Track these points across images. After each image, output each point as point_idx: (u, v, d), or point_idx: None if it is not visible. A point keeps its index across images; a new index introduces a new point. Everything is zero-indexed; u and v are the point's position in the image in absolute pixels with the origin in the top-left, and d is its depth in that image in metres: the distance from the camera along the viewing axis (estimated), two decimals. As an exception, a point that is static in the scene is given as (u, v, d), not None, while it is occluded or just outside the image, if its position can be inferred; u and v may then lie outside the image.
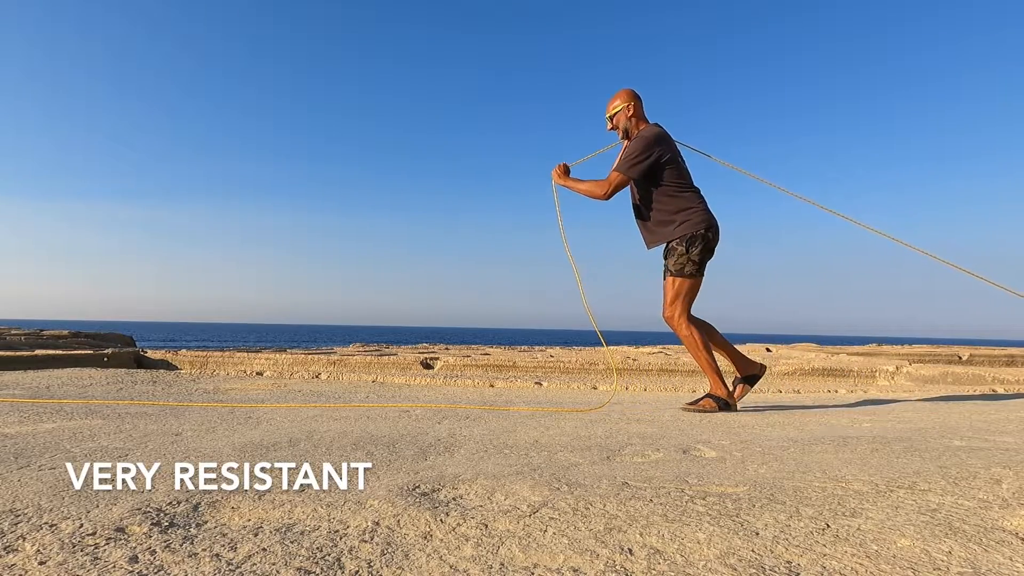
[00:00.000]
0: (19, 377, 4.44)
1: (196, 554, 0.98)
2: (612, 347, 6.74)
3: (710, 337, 3.38)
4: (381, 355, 5.80)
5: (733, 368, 3.45)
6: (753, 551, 0.98)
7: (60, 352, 5.59)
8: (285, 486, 1.41)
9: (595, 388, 4.97)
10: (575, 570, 0.91)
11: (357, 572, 0.91)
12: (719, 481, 1.45)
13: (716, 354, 3.35)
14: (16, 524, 1.11)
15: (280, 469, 1.59)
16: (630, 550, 0.99)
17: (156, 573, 0.91)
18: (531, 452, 1.89)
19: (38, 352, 5.48)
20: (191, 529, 1.10)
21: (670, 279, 3.26)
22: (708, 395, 3.27)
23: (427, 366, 5.52)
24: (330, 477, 1.48)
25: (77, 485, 1.39)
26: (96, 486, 1.39)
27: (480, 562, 0.94)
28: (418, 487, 1.39)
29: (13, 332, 6.92)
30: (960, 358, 7.13)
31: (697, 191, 3.32)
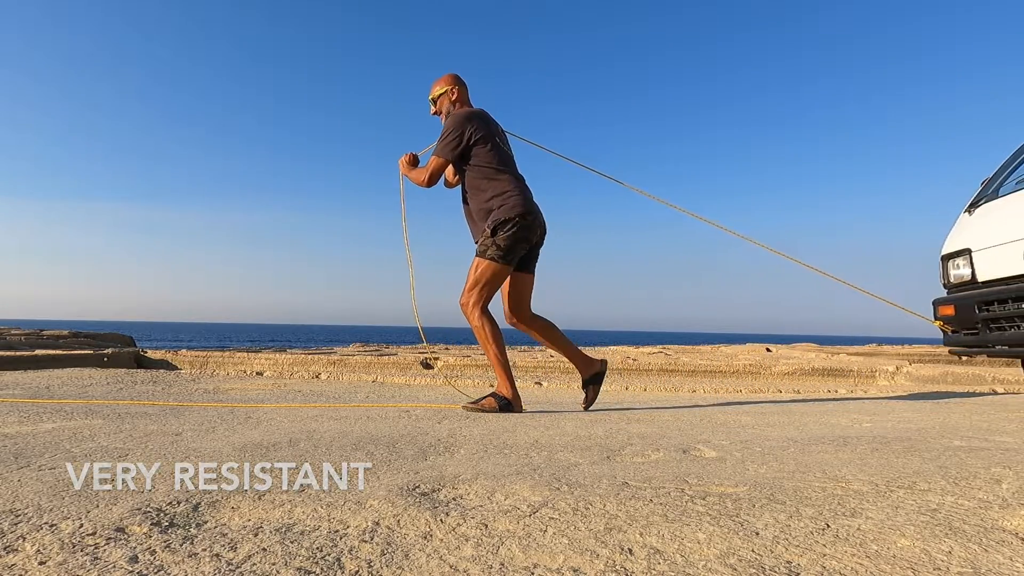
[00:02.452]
0: (19, 377, 4.44)
1: (196, 554, 0.98)
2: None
3: (549, 336, 3.27)
4: (381, 355, 5.80)
5: (577, 371, 3.32)
6: (753, 551, 0.98)
7: (60, 352, 5.59)
8: (285, 486, 1.41)
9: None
10: (575, 570, 0.91)
11: (357, 572, 0.91)
12: (719, 481, 1.45)
13: (556, 353, 3.30)
14: (16, 524, 1.11)
15: (280, 469, 1.59)
16: (630, 550, 0.99)
17: (156, 573, 0.91)
18: (531, 452, 1.89)
19: (38, 352, 5.48)
20: (191, 529, 1.10)
21: (474, 261, 3.11)
22: (492, 394, 3.12)
23: (427, 366, 5.52)
24: (330, 477, 1.49)
25: (77, 485, 1.39)
26: (96, 486, 1.39)
27: (480, 562, 0.94)
28: (418, 487, 1.39)
29: (13, 332, 6.92)
30: (960, 358, 7.13)
31: (517, 177, 3.19)
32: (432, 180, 3.22)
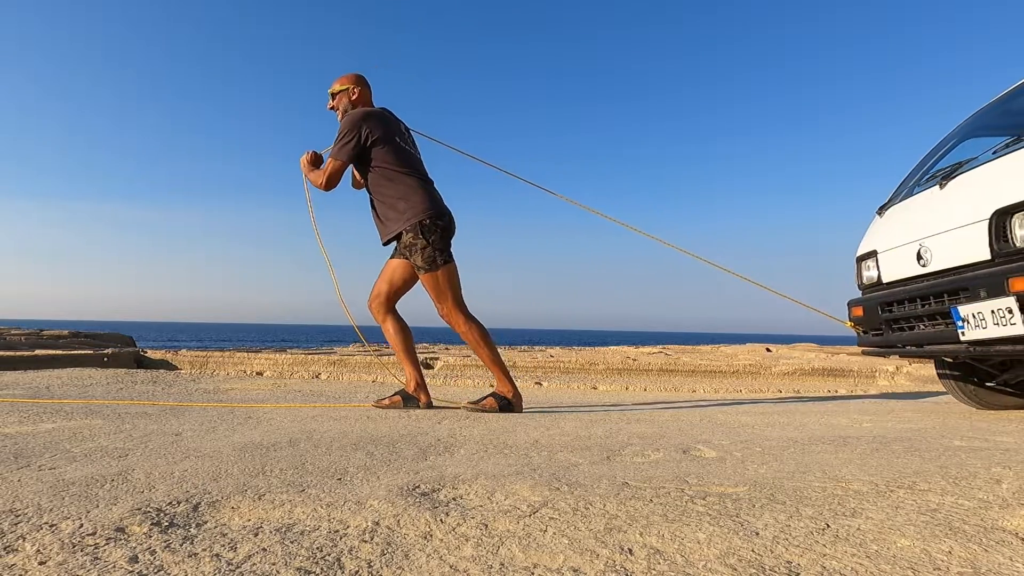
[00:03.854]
0: (19, 377, 4.44)
1: (196, 554, 0.98)
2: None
3: (399, 337, 3.19)
4: (381, 355, 5.80)
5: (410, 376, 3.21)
6: (753, 551, 0.98)
7: (60, 352, 5.59)
8: (285, 486, 1.41)
9: (595, 388, 4.98)
10: (575, 570, 0.91)
11: (357, 572, 0.91)
12: (719, 481, 1.45)
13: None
14: (16, 524, 1.11)
15: (280, 469, 1.59)
16: (630, 550, 0.99)
17: (156, 573, 0.91)
18: (531, 452, 1.89)
19: (38, 352, 5.48)
20: (191, 529, 1.10)
21: (425, 277, 3.05)
22: (492, 394, 3.09)
23: (427, 366, 5.52)
24: (330, 477, 1.49)
25: (77, 485, 1.39)
26: (96, 486, 1.39)
27: (480, 562, 0.94)
28: (418, 487, 1.39)
29: (13, 332, 6.92)
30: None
31: (420, 177, 3.11)
32: (330, 183, 3.11)
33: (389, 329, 3.21)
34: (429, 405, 3.15)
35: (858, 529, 1.08)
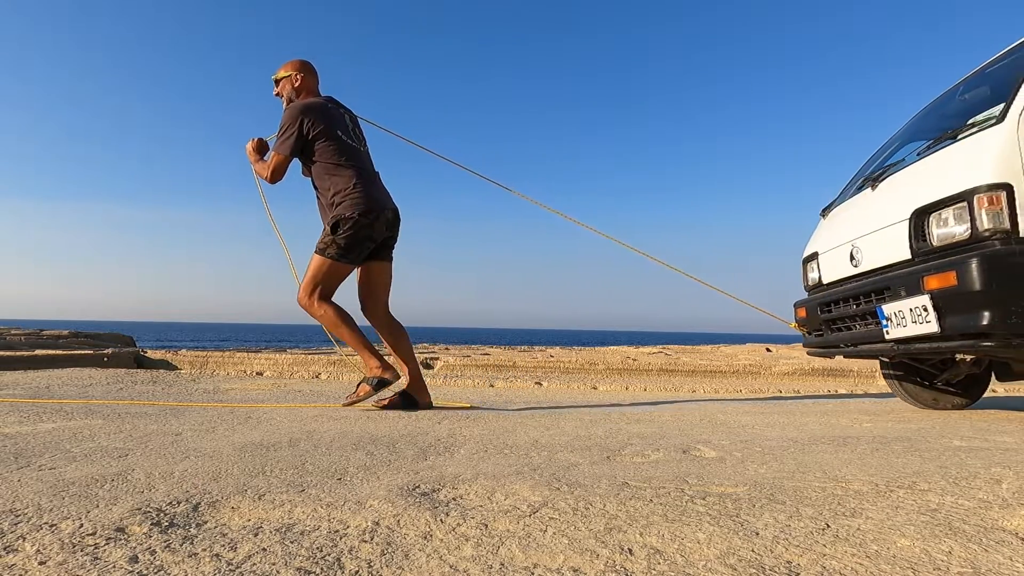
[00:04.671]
0: (19, 377, 4.44)
1: (196, 554, 0.98)
2: (612, 347, 6.73)
3: (395, 341, 3.15)
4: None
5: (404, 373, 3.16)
6: (753, 551, 0.98)
7: (60, 352, 5.59)
8: (285, 486, 1.41)
9: (595, 388, 4.98)
10: (575, 570, 0.91)
11: (357, 572, 0.91)
12: (719, 481, 1.45)
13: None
14: (16, 524, 1.11)
15: (280, 469, 1.59)
16: (630, 550, 0.99)
17: (156, 573, 0.91)
18: (531, 452, 1.89)
19: (38, 352, 5.48)
20: (191, 529, 1.10)
21: (312, 258, 3.02)
22: (363, 380, 3.02)
23: (427, 366, 5.52)
24: (329, 477, 1.49)
25: (77, 485, 1.39)
26: (96, 486, 1.39)
27: (480, 562, 0.94)
28: (418, 487, 1.39)
29: (13, 332, 6.92)
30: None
31: (361, 171, 3.06)
32: (275, 176, 3.08)
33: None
34: (428, 405, 3.13)
35: (858, 529, 1.08)
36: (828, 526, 1.10)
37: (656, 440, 2.13)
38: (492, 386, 4.97)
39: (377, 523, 1.13)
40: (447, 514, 1.18)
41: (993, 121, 2.48)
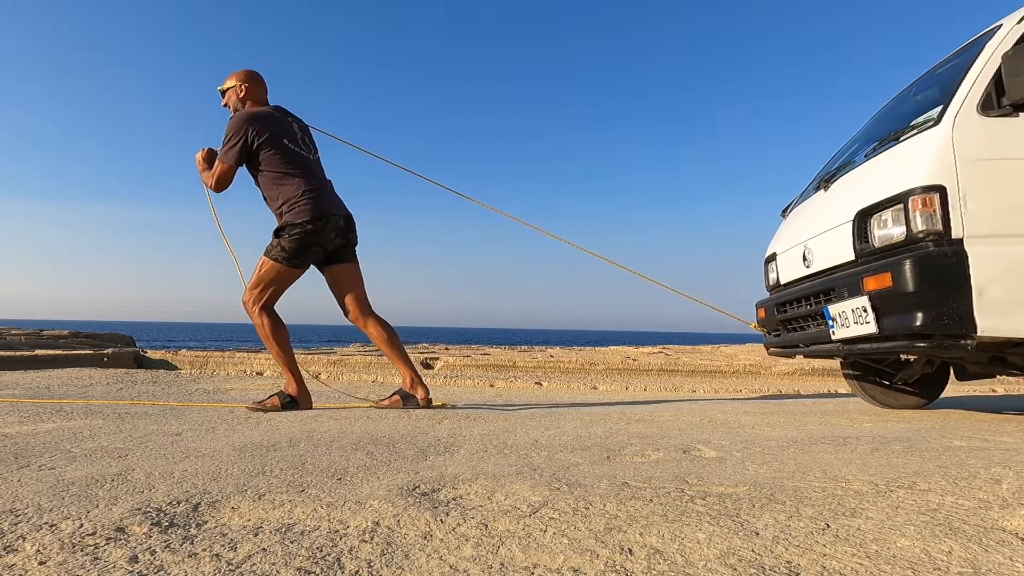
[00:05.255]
0: (19, 377, 4.44)
1: (196, 554, 0.98)
2: (610, 347, 6.73)
3: (390, 342, 3.15)
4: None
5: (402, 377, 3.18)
6: (753, 551, 0.98)
7: (60, 352, 5.59)
8: (285, 486, 1.41)
9: (595, 388, 4.98)
10: (575, 570, 0.91)
11: (357, 572, 0.91)
12: (719, 481, 1.45)
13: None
14: (16, 524, 1.11)
15: (280, 469, 1.59)
16: (630, 550, 0.99)
17: (156, 573, 0.91)
18: (531, 452, 1.89)
19: (38, 352, 5.48)
20: (191, 529, 1.10)
21: (260, 259, 3.03)
22: (278, 392, 3.04)
23: (427, 366, 5.52)
24: (329, 477, 1.48)
25: (77, 485, 1.39)
26: (96, 486, 1.39)
27: (480, 562, 0.94)
28: (418, 487, 1.39)
29: (13, 332, 6.92)
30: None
31: (309, 179, 3.04)
32: (220, 185, 3.06)
33: (373, 335, 3.18)
34: (428, 401, 3.12)
35: (858, 529, 1.08)
36: (828, 526, 1.10)
37: (656, 440, 2.13)
38: (492, 386, 4.97)
39: (377, 523, 1.13)
40: (447, 514, 1.18)
41: (931, 123, 2.50)
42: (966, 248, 2.33)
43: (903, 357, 3.13)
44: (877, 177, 2.67)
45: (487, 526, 1.11)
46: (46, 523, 1.11)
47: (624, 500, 1.27)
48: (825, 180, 3.13)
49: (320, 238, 3.02)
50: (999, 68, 2.40)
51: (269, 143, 2.99)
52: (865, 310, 2.53)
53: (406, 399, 3.10)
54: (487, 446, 1.99)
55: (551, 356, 5.89)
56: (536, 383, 5.06)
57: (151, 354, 5.94)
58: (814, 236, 3.05)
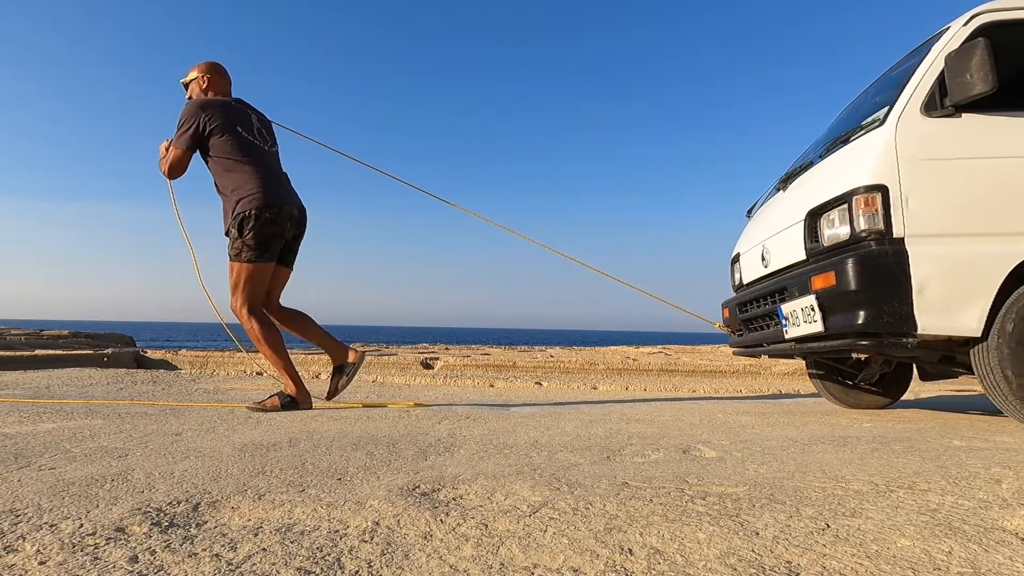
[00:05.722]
0: (19, 377, 4.44)
1: (196, 554, 0.98)
2: (609, 347, 6.73)
3: (299, 326, 3.16)
4: (381, 355, 5.80)
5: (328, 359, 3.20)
6: (753, 551, 0.98)
7: (60, 352, 5.59)
8: (285, 486, 1.41)
9: (595, 388, 4.98)
10: (575, 570, 0.91)
11: (357, 572, 0.91)
12: (719, 481, 1.45)
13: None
14: (16, 524, 1.11)
15: (280, 469, 1.59)
16: (630, 550, 0.99)
17: (156, 573, 0.91)
18: (531, 452, 1.89)
19: (38, 352, 5.48)
20: (191, 529, 1.10)
21: (229, 265, 3.01)
22: (277, 393, 3.03)
23: (427, 366, 5.52)
24: (329, 477, 1.48)
25: (77, 485, 1.39)
26: (96, 486, 1.39)
27: (480, 562, 0.94)
28: (418, 487, 1.39)
29: (13, 332, 6.92)
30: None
31: (262, 167, 3.02)
32: (174, 171, 3.04)
33: (289, 329, 3.18)
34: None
35: (858, 529, 1.08)
36: (828, 526, 1.10)
37: (656, 440, 2.13)
38: (492, 386, 4.97)
39: (377, 523, 1.13)
40: (447, 514, 1.18)
41: (876, 124, 2.53)
42: (907, 247, 2.36)
43: (860, 356, 3.17)
44: (827, 177, 2.71)
45: (487, 526, 1.11)
46: (46, 523, 1.11)
47: (624, 500, 1.27)
48: (783, 180, 3.17)
49: (277, 227, 3.01)
50: (943, 70, 2.42)
51: (221, 129, 2.98)
52: (813, 309, 2.57)
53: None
54: (487, 446, 1.99)
55: (551, 356, 5.89)
56: (536, 383, 5.06)
57: (151, 354, 5.94)
58: (771, 236, 3.10)
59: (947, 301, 2.33)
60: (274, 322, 3.11)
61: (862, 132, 2.59)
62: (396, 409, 3.07)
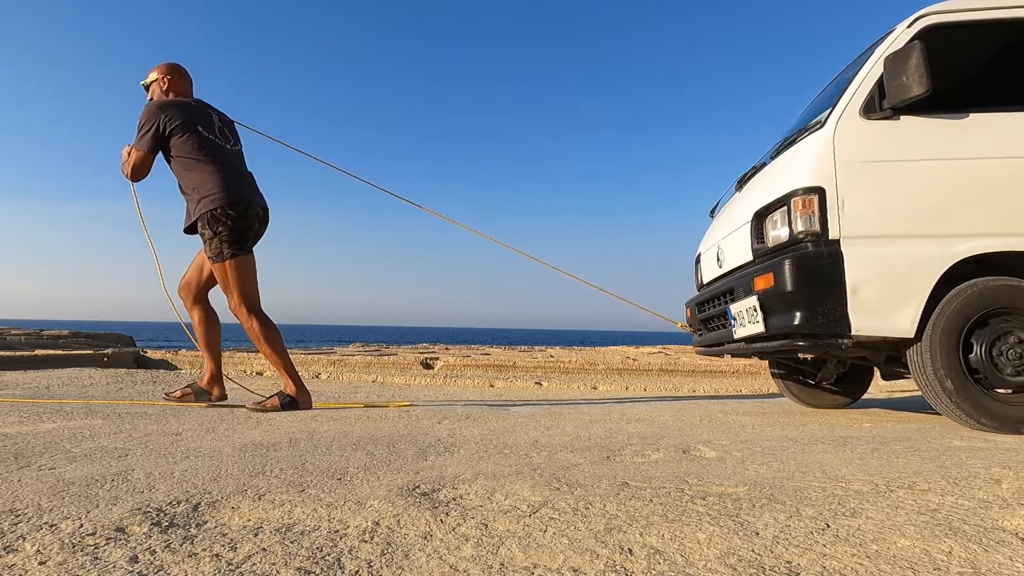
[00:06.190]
0: (19, 377, 4.44)
1: (196, 554, 0.98)
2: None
3: (205, 329, 3.16)
4: (381, 355, 5.80)
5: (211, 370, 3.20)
6: (753, 551, 0.98)
7: (60, 352, 5.59)
8: (285, 486, 1.41)
9: (595, 388, 4.98)
10: (575, 570, 0.91)
11: (357, 572, 0.91)
12: (719, 481, 1.45)
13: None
14: (16, 524, 1.11)
15: (280, 469, 1.59)
16: (630, 550, 0.99)
17: (156, 573, 0.91)
18: (531, 452, 1.89)
19: (38, 352, 5.48)
20: (191, 529, 1.10)
21: (214, 267, 3.01)
22: (277, 393, 3.04)
23: (427, 366, 5.52)
24: (329, 477, 1.48)
25: (77, 485, 1.39)
26: (96, 486, 1.39)
27: (480, 562, 0.94)
28: (418, 487, 1.39)
29: (13, 332, 6.92)
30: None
31: (224, 166, 3.02)
32: (137, 174, 3.03)
33: (195, 319, 3.18)
34: (222, 398, 3.14)
35: (858, 529, 1.08)
36: (828, 526, 1.10)
37: (656, 440, 2.13)
38: (492, 386, 4.98)
39: (377, 523, 1.13)
40: (447, 514, 1.18)
41: (818, 126, 2.54)
42: (842, 248, 2.37)
43: (808, 356, 3.19)
44: (773, 178, 2.73)
45: (487, 526, 1.11)
46: (46, 523, 1.11)
47: (624, 500, 1.27)
48: (740, 181, 3.19)
49: (246, 222, 3.01)
50: (883, 72, 2.43)
51: (182, 129, 2.98)
52: (755, 310, 2.60)
53: (199, 394, 3.13)
54: (487, 446, 1.99)
55: (551, 356, 5.89)
56: (536, 383, 5.06)
57: (151, 354, 5.94)
58: (726, 236, 3.12)
59: (881, 302, 2.34)
60: (272, 321, 3.11)
61: (806, 134, 2.61)
62: (395, 409, 3.07)
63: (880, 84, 2.46)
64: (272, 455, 1.78)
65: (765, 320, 2.55)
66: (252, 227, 3.04)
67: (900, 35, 2.51)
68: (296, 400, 3.02)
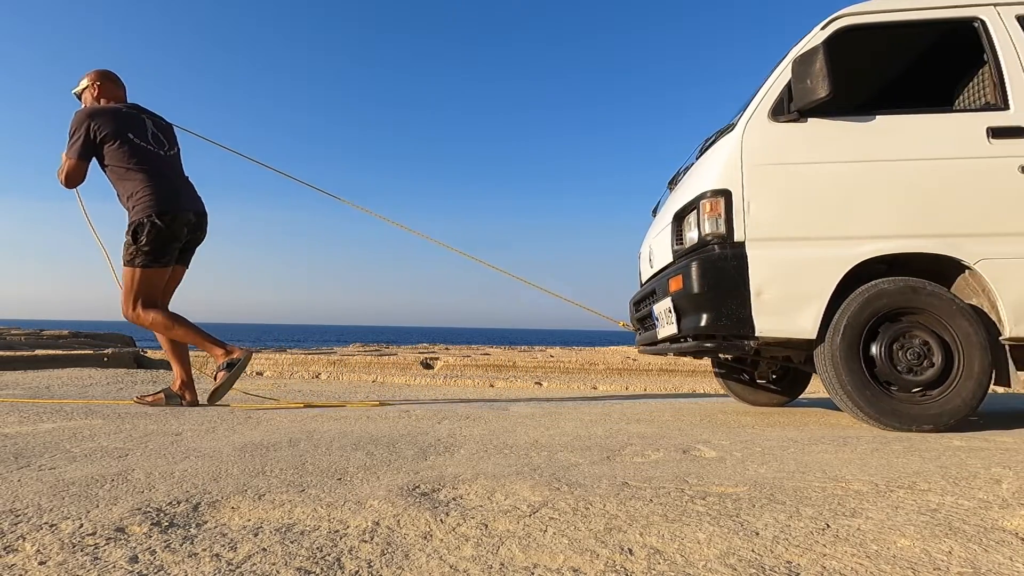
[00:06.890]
0: (19, 377, 4.44)
1: (196, 554, 0.98)
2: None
3: (172, 340, 3.17)
4: (381, 355, 5.80)
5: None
6: (753, 551, 0.98)
7: (60, 352, 5.59)
8: (285, 486, 1.41)
9: (595, 388, 4.98)
10: (575, 570, 0.91)
11: (357, 572, 0.91)
12: (719, 481, 1.45)
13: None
14: (16, 524, 1.11)
15: (280, 469, 1.59)
16: (630, 550, 0.99)
17: (156, 573, 0.91)
18: (531, 452, 1.89)
19: (38, 352, 5.48)
20: (191, 529, 1.10)
21: (124, 271, 3.05)
22: (165, 388, 3.14)
23: (427, 366, 5.52)
24: (330, 477, 1.48)
25: (77, 485, 1.39)
26: (96, 486, 1.39)
27: (480, 562, 0.94)
28: (418, 487, 1.39)
29: (13, 332, 6.92)
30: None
31: (155, 174, 3.03)
32: (70, 181, 3.04)
33: (160, 321, 3.15)
34: (193, 403, 3.15)
35: (858, 529, 1.08)
36: (828, 526, 1.10)
37: (656, 440, 2.13)
38: (492, 386, 4.98)
39: (377, 523, 1.13)
40: (447, 514, 1.18)
41: (730, 129, 2.55)
42: (747, 251, 2.38)
43: (726, 357, 3.22)
44: (692, 180, 2.74)
45: (487, 526, 1.11)
46: (46, 523, 1.11)
47: (624, 500, 1.27)
48: (671, 181, 3.20)
49: (173, 232, 3.03)
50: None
51: (112, 137, 2.99)
52: (670, 311, 2.62)
53: (170, 398, 3.14)
54: (487, 446, 1.99)
55: (551, 356, 5.89)
56: (536, 383, 5.06)
57: (151, 354, 5.94)
58: (655, 236, 3.15)
59: (783, 304, 2.35)
60: (175, 314, 3.13)
61: (721, 136, 2.61)
62: (390, 408, 3.07)
63: (789, 87, 2.46)
64: (272, 455, 1.78)
65: (678, 321, 2.57)
66: (178, 237, 3.06)
67: (814, 36, 2.51)
68: (179, 396, 3.09)
